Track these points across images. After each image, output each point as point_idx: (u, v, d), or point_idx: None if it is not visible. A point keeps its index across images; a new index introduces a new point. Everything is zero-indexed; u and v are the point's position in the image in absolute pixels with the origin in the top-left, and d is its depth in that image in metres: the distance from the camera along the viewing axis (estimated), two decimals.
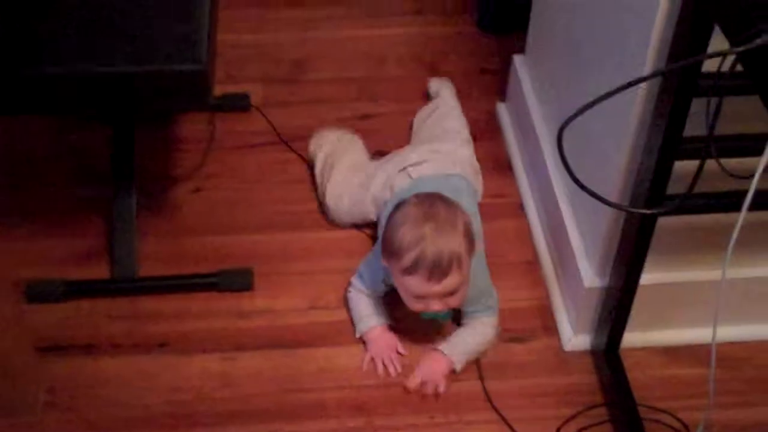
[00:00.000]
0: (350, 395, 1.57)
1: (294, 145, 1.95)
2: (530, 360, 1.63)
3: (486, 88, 2.10)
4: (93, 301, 1.68)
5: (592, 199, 1.57)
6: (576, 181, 1.14)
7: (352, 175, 1.81)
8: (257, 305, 1.69)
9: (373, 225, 1.78)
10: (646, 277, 1.51)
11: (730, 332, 1.63)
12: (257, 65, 2.14)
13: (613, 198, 1.45)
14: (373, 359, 1.61)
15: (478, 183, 1.81)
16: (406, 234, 1.49)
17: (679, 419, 1.54)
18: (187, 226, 1.81)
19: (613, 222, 1.49)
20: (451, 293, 1.51)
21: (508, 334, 1.66)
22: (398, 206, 1.55)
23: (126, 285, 1.69)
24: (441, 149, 1.77)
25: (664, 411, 1.54)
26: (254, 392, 1.57)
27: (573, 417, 1.55)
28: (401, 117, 2.00)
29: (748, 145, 1.25)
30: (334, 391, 1.57)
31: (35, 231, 1.78)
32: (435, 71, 2.13)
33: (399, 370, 1.60)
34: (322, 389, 1.58)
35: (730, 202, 1.40)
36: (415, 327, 1.64)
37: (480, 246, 1.62)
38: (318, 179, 1.84)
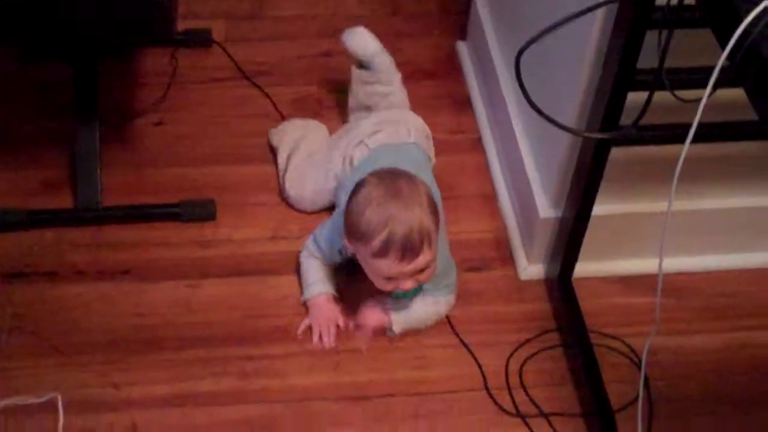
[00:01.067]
0: None
1: (256, 80, 1.97)
2: (487, 288, 1.68)
3: (448, 28, 2.13)
4: (57, 231, 1.70)
5: (549, 132, 1.61)
6: (531, 104, 1.18)
7: (311, 160, 1.76)
8: (220, 235, 1.72)
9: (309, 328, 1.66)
10: (599, 208, 1.56)
11: (679, 263, 1.70)
12: (219, 1, 2.14)
13: (568, 117, 1.49)
14: (310, 326, 1.59)
15: (431, 149, 1.77)
16: (371, 217, 1.43)
17: (627, 344, 1.60)
18: (150, 159, 1.83)
19: (568, 153, 1.54)
20: (422, 270, 1.47)
21: (466, 264, 1.70)
22: (358, 187, 1.49)
23: (89, 214, 1.70)
24: (395, 118, 1.74)
25: (614, 337, 1.60)
26: (218, 318, 1.60)
27: (527, 341, 1.60)
28: None
29: (699, 78, 1.29)
30: (296, 317, 1.61)
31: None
32: (397, 11, 2.16)
33: (333, 343, 1.57)
34: (285, 315, 1.61)
35: (679, 133, 1.46)
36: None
37: (441, 218, 1.56)
38: (280, 169, 1.79)
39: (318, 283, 1.61)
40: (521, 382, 1.55)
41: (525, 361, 1.58)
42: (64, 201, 1.74)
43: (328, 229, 1.60)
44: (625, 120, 1.40)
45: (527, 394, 1.54)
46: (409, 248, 1.42)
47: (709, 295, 1.68)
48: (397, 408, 1.51)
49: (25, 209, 1.70)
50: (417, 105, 1.93)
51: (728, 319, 1.65)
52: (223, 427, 1.47)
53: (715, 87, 1.02)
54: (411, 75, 1.96)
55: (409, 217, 1.42)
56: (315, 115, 1.92)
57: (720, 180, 1.62)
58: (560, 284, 1.64)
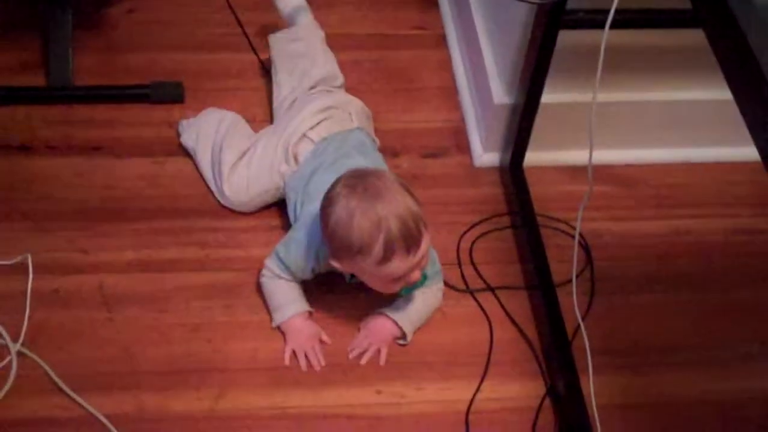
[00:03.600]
0: None
1: None
2: (443, 173, 1.75)
3: None
4: (29, 108, 1.76)
5: (505, 20, 1.67)
6: None
7: (245, 165, 1.63)
8: (187, 116, 1.77)
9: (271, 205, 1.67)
10: (551, 96, 1.63)
11: (629, 155, 1.78)
12: None
13: (521, 13, 1.56)
14: (294, 352, 1.50)
15: (372, 130, 1.71)
16: (361, 227, 1.34)
17: (572, 226, 1.68)
18: (122, 44, 1.89)
19: (521, 40, 1.60)
20: (425, 255, 1.41)
21: (423, 151, 1.78)
22: (329, 204, 1.38)
23: (61, 92, 1.76)
24: (334, 104, 1.66)
25: (560, 220, 1.68)
26: (182, 192, 1.67)
27: (478, 223, 1.68)
28: None
29: None
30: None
31: None
32: None
33: (323, 362, 1.49)
34: None
35: (622, 18, 1.53)
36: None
37: None
38: (207, 175, 1.67)
39: (290, 304, 1.51)
40: (471, 260, 1.64)
41: (475, 241, 1.66)
42: (37, 80, 1.80)
43: (293, 247, 1.49)
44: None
45: (476, 270, 1.62)
46: (411, 240, 1.36)
47: (656, 186, 1.76)
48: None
49: None
50: (385, 3, 2.00)
51: (672, 207, 1.73)
52: (186, 290, 1.54)
53: None
54: None
55: (397, 209, 1.35)
56: None
57: (672, 72, 1.69)
58: (512, 170, 1.71)
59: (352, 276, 1.52)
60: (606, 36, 1.23)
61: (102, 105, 1.78)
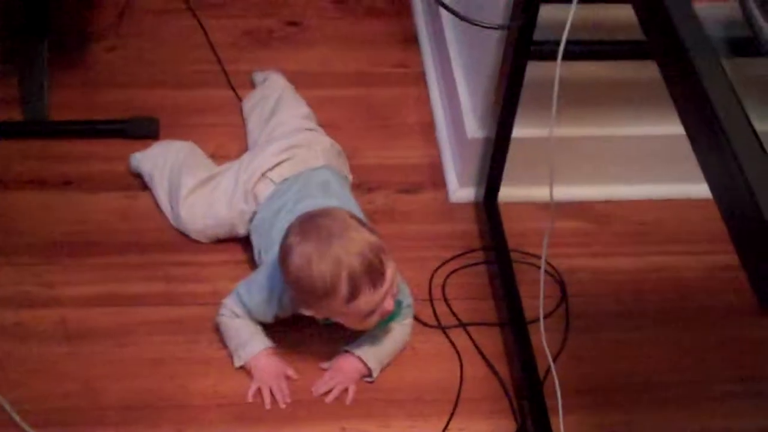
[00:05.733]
0: None
1: (209, 12, 2.02)
2: (416, 209, 1.73)
3: None
4: (5, 142, 1.75)
5: (478, 56, 1.66)
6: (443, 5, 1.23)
7: (206, 193, 1.62)
8: None
9: (239, 240, 1.63)
10: (523, 131, 1.61)
11: (605, 191, 1.76)
12: None
13: (492, 39, 1.55)
14: (260, 389, 1.46)
15: (345, 166, 1.68)
16: (321, 272, 1.33)
17: (549, 263, 1.65)
18: (101, 81, 1.88)
19: (494, 76, 1.58)
20: (392, 284, 1.39)
21: (397, 186, 1.76)
22: (285, 255, 1.37)
23: (36, 127, 1.76)
24: (298, 142, 1.62)
25: (534, 255, 1.64)
26: (151, 226, 1.65)
27: (452, 258, 1.65)
28: None
29: None
30: None
31: None
32: None
33: (288, 399, 1.45)
34: None
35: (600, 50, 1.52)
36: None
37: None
38: (163, 199, 1.65)
39: (252, 341, 1.47)
40: (443, 295, 1.61)
41: (448, 276, 1.63)
42: (15, 116, 1.79)
43: (255, 291, 1.46)
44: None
45: (448, 306, 1.59)
46: (374, 272, 1.34)
47: (631, 222, 1.73)
48: None
49: None
50: (367, 42, 1.99)
51: (646, 244, 1.70)
52: (149, 325, 1.52)
53: None
54: (365, 14, 2.05)
55: (354, 246, 1.34)
56: (265, 47, 1.98)
57: (648, 105, 1.67)
58: (486, 205, 1.69)
59: (326, 319, 1.49)
60: (559, 67, 1.22)
61: (78, 141, 1.76)
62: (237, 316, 1.48)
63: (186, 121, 1.82)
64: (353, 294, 1.34)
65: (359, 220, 1.40)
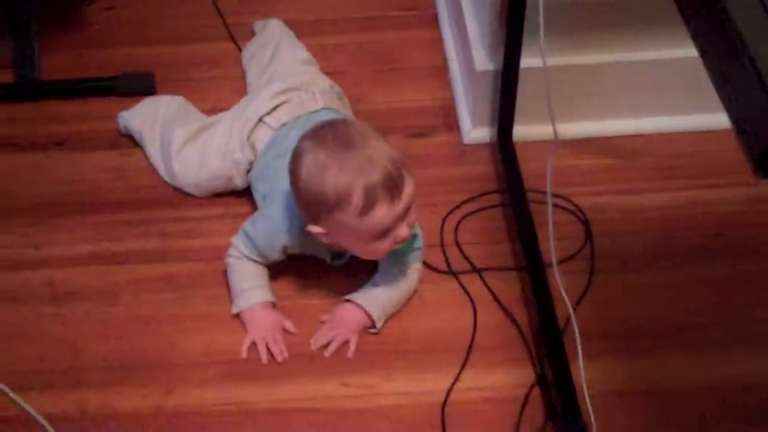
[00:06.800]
0: None
1: None
2: (429, 153, 1.61)
3: None
4: None
5: None
6: None
7: (199, 145, 1.52)
8: None
9: (237, 193, 1.53)
10: (532, 61, 1.48)
11: (627, 125, 1.63)
12: None
13: None
14: (255, 343, 1.36)
15: (347, 109, 1.57)
16: (337, 180, 1.22)
17: (573, 202, 1.52)
18: (96, 41, 1.80)
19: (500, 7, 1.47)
20: (410, 206, 1.28)
21: (409, 130, 1.64)
22: (297, 162, 1.27)
23: (26, 88, 1.68)
24: (295, 85, 1.51)
25: (556, 195, 1.51)
26: (146, 184, 1.56)
27: (465, 202, 1.53)
28: None
29: None
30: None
31: None
32: None
33: (286, 354, 1.34)
34: None
35: None
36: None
37: None
38: (155, 155, 1.56)
39: (253, 290, 1.38)
40: (456, 240, 1.49)
41: (461, 221, 1.51)
42: (8, 79, 1.72)
43: (261, 223, 1.38)
44: None
45: (460, 251, 1.47)
46: (393, 184, 1.24)
47: (661, 156, 1.59)
48: None
49: None
50: None
51: (677, 179, 1.56)
52: (141, 283, 1.43)
53: None
54: None
55: (373, 153, 1.24)
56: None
57: (670, 27, 1.53)
58: (500, 142, 1.56)
59: (334, 257, 1.39)
60: None
61: (70, 101, 1.68)
62: (245, 256, 1.38)
63: (184, 75, 1.73)
64: (367, 205, 1.23)
65: (379, 133, 1.29)
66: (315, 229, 1.29)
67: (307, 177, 1.25)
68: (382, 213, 1.24)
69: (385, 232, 1.27)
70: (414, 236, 1.36)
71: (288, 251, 1.39)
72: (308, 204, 1.28)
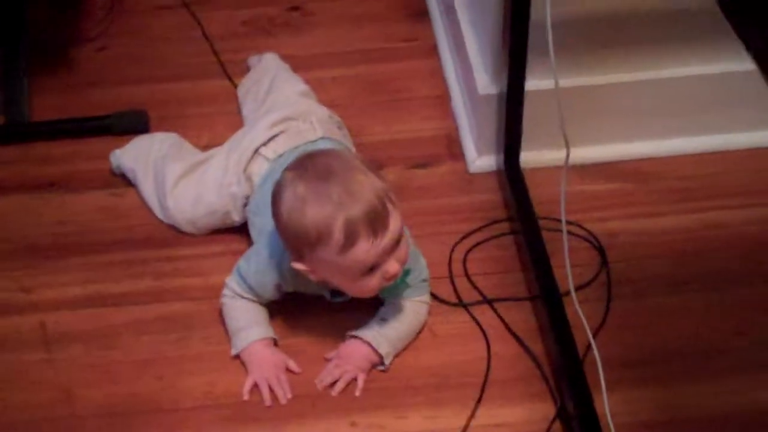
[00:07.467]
0: None
1: (202, 6, 1.87)
2: (433, 183, 1.56)
3: None
4: None
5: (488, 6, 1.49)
6: None
7: (194, 180, 1.47)
8: None
9: (234, 230, 1.47)
10: (543, 83, 1.43)
11: (640, 148, 1.57)
12: None
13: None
14: (257, 384, 1.29)
15: (347, 139, 1.50)
16: (316, 214, 1.17)
17: (585, 228, 1.46)
18: (88, 81, 1.74)
19: (500, 23, 1.41)
20: (398, 241, 1.21)
21: (412, 161, 1.58)
22: (277, 196, 1.21)
23: (16, 129, 1.63)
24: (293, 114, 1.45)
25: (570, 222, 1.45)
26: (140, 223, 1.50)
27: (473, 232, 1.47)
28: None
29: None
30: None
31: None
32: None
33: (289, 395, 1.28)
34: None
35: None
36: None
37: None
38: (150, 199, 1.50)
39: (251, 328, 1.31)
40: (465, 271, 1.42)
41: (470, 251, 1.45)
42: None
43: (254, 260, 1.32)
44: None
45: (470, 281, 1.40)
46: (375, 217, 1.17)
47: (674, 179, 1.54)
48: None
49: None
50: (373, 19, 1.84)
51: (695, 200, 1.50)
52: (136, 324, 1.36)
53: None
54: None
55: (356, 187, 1.18)
56: (267, 35, 1.84)
57: (680, 44, 1.49)
58: (507, 170, 1.50)
59: (333, 294, 1.32)
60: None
61: (62, 141, 1.62)
62: (240, 296, 1.32)
63: (178, 113, 1.67)
64: (349, 241, 1.16)
65: (366, 162, 1.23)
66: (299, 266, 1.23)
67: (287, 211, 1.20)
68: (365, 249, 1.18)
69: (371, 268, 1.21)
70: (407, 271, 1.28)
71: (283, 289, 1.33)
72: (290, 240, 1.22)
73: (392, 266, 1.21)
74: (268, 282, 1.30)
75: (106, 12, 1.86)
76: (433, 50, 1.78)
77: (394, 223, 1.19)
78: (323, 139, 1.42)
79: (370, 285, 1.23)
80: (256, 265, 1.31)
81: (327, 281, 1.27)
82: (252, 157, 1.41)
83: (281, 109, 1.48)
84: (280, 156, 1.40)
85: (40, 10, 1.82)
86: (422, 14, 1.85)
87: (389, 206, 1.19)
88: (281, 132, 1.43)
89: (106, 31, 1.84)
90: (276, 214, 1.22)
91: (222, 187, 1.43)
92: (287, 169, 1.23)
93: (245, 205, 1.42)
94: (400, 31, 1.82)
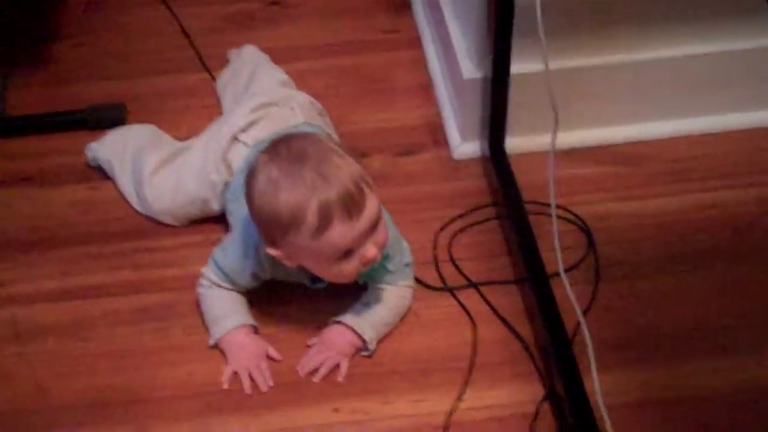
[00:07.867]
0: None
1: (179, 2, 1.85)
2: (417, 170, 1.53)
3: None
4: None
5: None
6: None
7: (172, 170, 1.44)
8: None
9: (213, 219, 1.44)
10: (528, 66, 1.40)
11: (629, 131, 1.54)
12: None
13: None
14: (237, 372, 1.25)
15: (329, 126, 1.47)
16: (288, 198, 1.13)
17: (572, 212, 1.43)
18: (65, 77, 1.71)
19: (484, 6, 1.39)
20: (376, 224, 1.18)
21: (396, 149, 1.55)
22: (250, 180, 1.18)
23: None
24: (272, 100, 1.42)
25: (557, 206, 1.40)
26: (117, 216, 1.46)
27: (459, 217, 1.44)
28: None
29: None
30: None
31: None
32: None
33: (271, 382, 1.24)
34: None
35: None
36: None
37: None
38: (127, 191, 1.47)
39: (229, 316, 1.28)
40: (450, 255, 1.39)
41: (455, 236, 1.42)
42: None
43: (230, 248, 1.29)
44: None
45: (455, 266, 1.37)
46: (350, 200, 1.14)
47: (666, 161, 1.51)
48: None
49: None
50: (354, 12, 1.82)
51: (686, 182, 1.47)
52: (114, 315, 1.33)
53: None
54: None
55: (331, 170, 1.14)
56: (247, 29, 1.81)
57: (670, 24, 1.46)
58: (493, 155, 1.47)
59: (314, 280, 1.29)
60: None
61: (38, 137, 1.59)
62: (216, 285, 1.29)
63: (157, 107, 1.64)
64: (323, 224, 1.13)
65: (345, 149, 1.19)
66: (273, 251, 1.19)
67: (260, 195, 1.16)
68: (339, 232, 1.14)
69: (348, 253, 1.17)
70: (386, 256, 1.25)
71: (261, 277, 1.29)
72: (263, 224, 1.18)
73: (369, 250, 1.17)
74: (244, 270, 1.27)
75: (83, 7, 1.84)
76: (414, 41, 1.76)
77: (371, 206, 1.16)
78: (305, 124, 1.39)
79: (348, 270, 1.19)
80: (232, 253, 1.28)
81: (304, 267, 1.23)
82: (231, 144, 1.38)
83: (260, 96, 1.45)
84: (261, 142, 1.35)
85: (17, 5, 1.80)
86: (403, 6, 1.83)
87: (365, 189, 1.16)
88: (261, 118, 1.39)
89: (83, 27, 1.81)
90: (249, 198, 1.18)
91: (201, 175, 1.39)
92: (262, 152, 1.19)
93: (224, 191, 1.39)
94: (382, 23, 1.80)
